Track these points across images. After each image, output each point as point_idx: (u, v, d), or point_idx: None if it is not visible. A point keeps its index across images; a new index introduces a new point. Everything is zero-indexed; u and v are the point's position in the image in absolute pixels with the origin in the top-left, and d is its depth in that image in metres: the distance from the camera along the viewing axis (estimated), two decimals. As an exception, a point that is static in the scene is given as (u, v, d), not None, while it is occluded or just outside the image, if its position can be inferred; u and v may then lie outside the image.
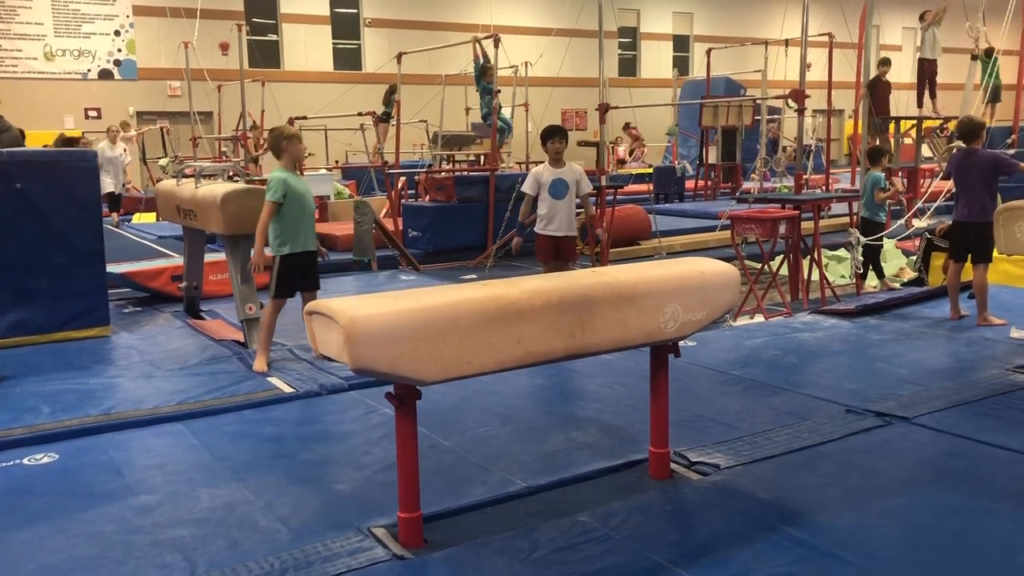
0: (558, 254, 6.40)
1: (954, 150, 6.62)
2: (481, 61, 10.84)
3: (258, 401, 4.68)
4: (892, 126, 12.23)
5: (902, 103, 13.60)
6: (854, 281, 8.51)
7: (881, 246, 8.65)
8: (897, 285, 8.57)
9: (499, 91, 10.98)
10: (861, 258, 8.24)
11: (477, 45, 10.89)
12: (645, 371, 3.56)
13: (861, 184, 9.00)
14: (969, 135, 6.06)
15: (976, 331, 5.85)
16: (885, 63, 11.69)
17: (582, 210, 6.74)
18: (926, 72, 12.44)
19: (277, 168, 5.27)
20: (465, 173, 12.02)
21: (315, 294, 5.28)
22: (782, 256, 8.16)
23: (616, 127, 21.27)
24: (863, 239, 8.13)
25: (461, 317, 2.76)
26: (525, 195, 6.44)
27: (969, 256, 6.02)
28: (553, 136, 6.31)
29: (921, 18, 12.45)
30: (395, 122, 12.58)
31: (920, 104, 12.54)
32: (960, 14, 12.59)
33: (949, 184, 6.76)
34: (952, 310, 6.21)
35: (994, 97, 13.02)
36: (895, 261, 9.64)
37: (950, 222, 6.57)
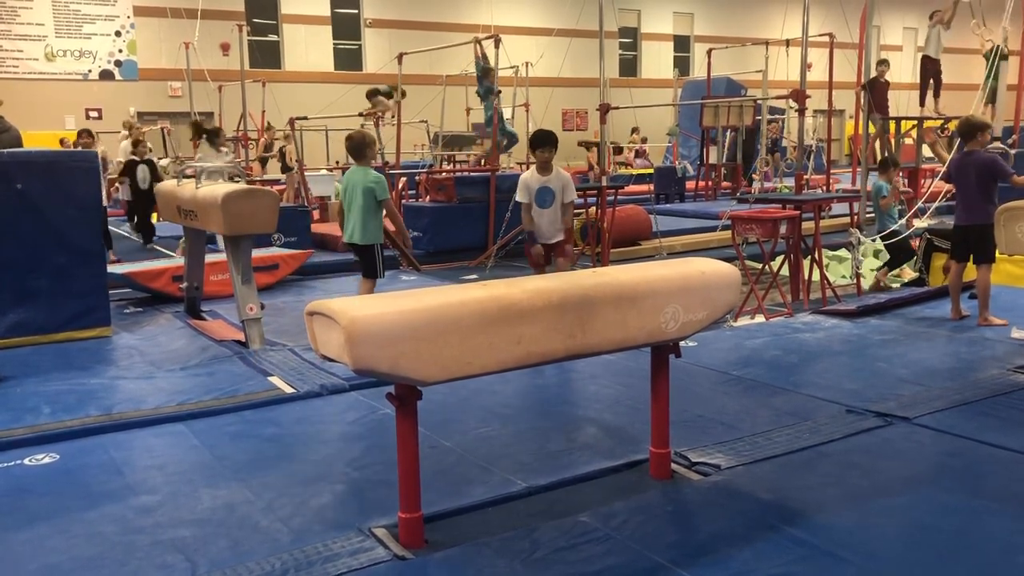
0: (548, 259, 6.21)
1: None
2: (483, 63, 10.82)
3: (259, 401, 4.67)
4: (892, 126, 12.23)
5: (903, 103, 13.60)
6: (855, 281, 8.51)
7: (908, 246, 8.56)
8: (897, 285, 8.57)
9: (499, 91, 10.98)
10: (861, 258, 8.23)
11: (478, 46, 10.89)
12: (646, 371, 3.56)
13: (862, 185, 9.00)
14: (967, 136, 6.03)
15: (977, 331, 5.84)
16: (883, 63, 11.70)
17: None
18: (929, 71, 12.42)
19: (366, 167, 5.85)
20: (466, 174, 12.01)
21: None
22: (783, 256, 8.16)
23: (616, 127, 21.26)
24: (876, 239, 8.10)
25: (462, 317, 2.76)
26: (521, 204, 6.27)
27: (972, 257, 6.01)
28: (542, 145, 6.01)
29: (931, 16, 12.43)
30: (395, 122, 12.57)
31: (923, 103, 12.52)
32: (967, 13, 12.57)
33: (949, 184, 6.74)
34: (953, 310, 6.20)
35: (992, 98, 13.01)
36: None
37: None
